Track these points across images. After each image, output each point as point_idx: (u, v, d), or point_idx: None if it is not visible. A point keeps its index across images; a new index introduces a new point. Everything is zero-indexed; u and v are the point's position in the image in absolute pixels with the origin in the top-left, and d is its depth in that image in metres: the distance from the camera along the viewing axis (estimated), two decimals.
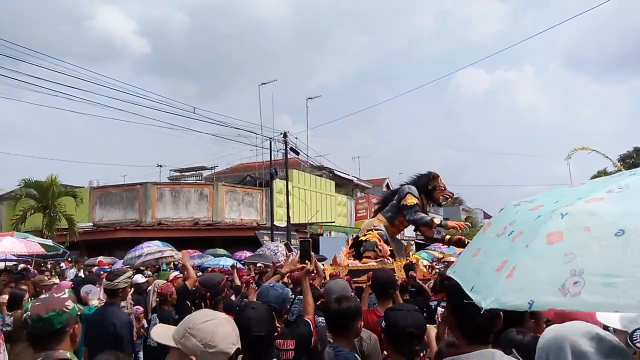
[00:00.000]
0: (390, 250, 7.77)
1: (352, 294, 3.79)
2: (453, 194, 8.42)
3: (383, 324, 2.41)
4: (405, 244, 8.58)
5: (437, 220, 8.11)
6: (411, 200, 8.07)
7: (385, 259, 7.43)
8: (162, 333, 1.65)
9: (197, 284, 4.37)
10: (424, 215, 8.08)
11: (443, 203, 8.41)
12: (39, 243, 8.98)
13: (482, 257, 1.66)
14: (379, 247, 7.55)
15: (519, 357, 1.78)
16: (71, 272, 11.68)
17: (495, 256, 1.58)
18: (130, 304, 7.29)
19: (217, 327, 1.59)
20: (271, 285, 3.26)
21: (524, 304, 1.33)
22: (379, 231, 7.97)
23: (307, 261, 3.67)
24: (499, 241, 1.64)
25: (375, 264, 7.26)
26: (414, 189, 8.29)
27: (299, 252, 4.18)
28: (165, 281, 7.04)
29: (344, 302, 2.83)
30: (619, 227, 1.29)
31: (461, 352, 1.76)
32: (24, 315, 2.06)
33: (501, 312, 1.75)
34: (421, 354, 2.45)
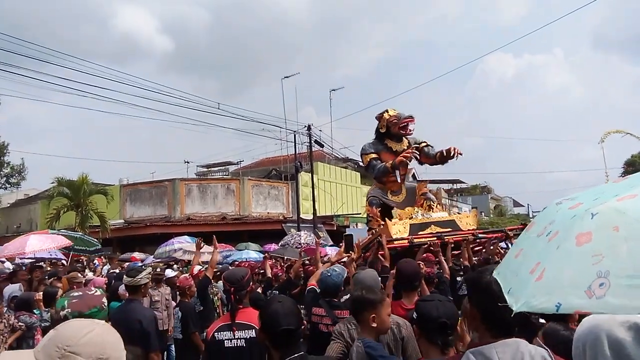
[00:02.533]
0: (380, 211, 7.26)
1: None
2: (411, 117, 7.09)
3: (414, 315, 2.38)
4: (416, 184, 7.59)
5: (388, 164, 7.07)
6: (365, 159, 7.42)
7: (374, 228, 7.05)
8: None
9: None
10: (380, 166, 7.22)
11: (411, 131, 7.20)
12: (65, 235, 9.16)
13: (521, 258, 1.67)
14: (370, 215, 7.23)
15: (542, 344, 1.75)
16: (105, 269, 11.93)
17: (531, 257, 1.59)
18: (166, 299, 7.41)
19: (104, 335, 1.35)
20: (329, 274, 4.00)
21: (552, 307, 1.33)
22: (370, 198, 7.55)
23: (350, 251, 4.55)
24: (537, 242, 1.63)
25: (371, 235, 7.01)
26: (365, 146, 7.52)
27: (343, 244, 4.87)
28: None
29: (357, 293, 2.89)
30: None
31: (484, 342, 1.75)
32: (63, 312, 2.07)
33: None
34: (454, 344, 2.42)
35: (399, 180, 7.26)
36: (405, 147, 7.33)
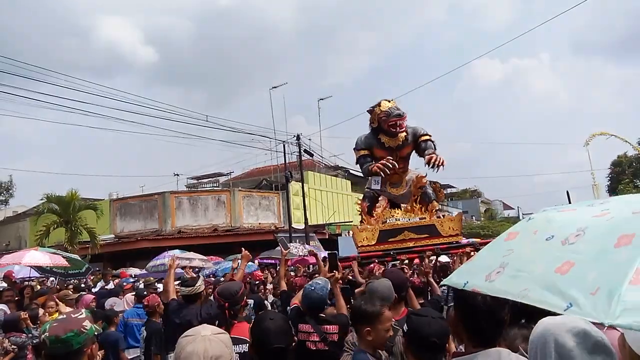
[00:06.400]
0: (368, 206, 7.11)
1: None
2: (399, 116, 6.57)
3: (405, 327, 2.33)
4: (414, 177, 7.00)
5: (371, 167, 6.76)
6: (356, 154, 7.08)
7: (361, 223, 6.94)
8: None
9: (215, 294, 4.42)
10: (364, 167, 6.95)
11: (401, 129, 6.69)
12: (63, 256, 9.10)
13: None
14: (360, 210, 7.07)
15: (525, 354, 1.76)
16: (99, 285, 11.80)
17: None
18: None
19: None
20: (312, 288, 3.74)
21: (461, 283, 1.60)
22: (365, 190, 7.28)
23: (335, 271, 4.27)
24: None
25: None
26: (358, 140, 6.97)
27: (327, 264, 4.59)
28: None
29: (361, 305, 2.85)
30: (552, 233, 1.46)
31: (467, 352, 1.80)
32: (42, 335, 2.06)
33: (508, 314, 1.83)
34: None
35: (377, 188, 7.03)
36: (400, 143, 6.81)
